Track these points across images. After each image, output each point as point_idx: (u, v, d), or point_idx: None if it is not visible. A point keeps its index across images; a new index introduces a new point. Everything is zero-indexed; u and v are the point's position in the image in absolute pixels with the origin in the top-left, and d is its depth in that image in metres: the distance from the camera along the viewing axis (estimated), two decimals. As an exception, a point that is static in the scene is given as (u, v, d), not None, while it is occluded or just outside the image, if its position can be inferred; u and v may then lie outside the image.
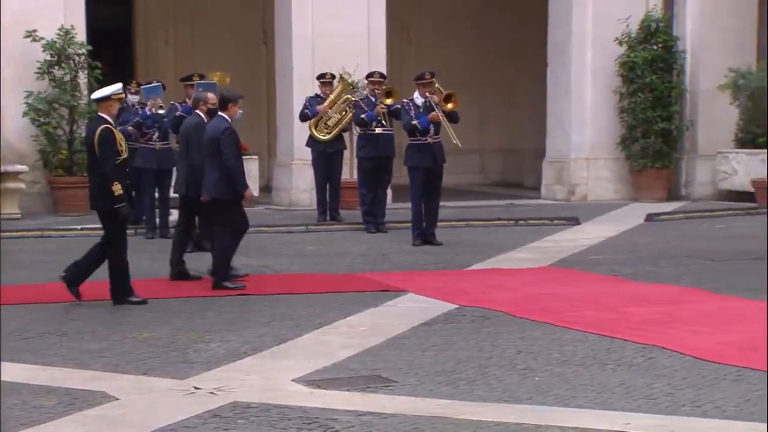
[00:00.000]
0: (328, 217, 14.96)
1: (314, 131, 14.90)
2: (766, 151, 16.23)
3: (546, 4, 18.45)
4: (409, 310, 9.08)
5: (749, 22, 17.33)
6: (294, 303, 9.39)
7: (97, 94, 9.34)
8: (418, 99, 13.11)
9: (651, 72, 17.24)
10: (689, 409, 5.94)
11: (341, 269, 11.30)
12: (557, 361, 7.12)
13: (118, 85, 9.43)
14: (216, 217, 10.09)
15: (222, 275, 9.94)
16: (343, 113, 14.83)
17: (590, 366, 6.95)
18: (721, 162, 17.23)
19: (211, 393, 6.39)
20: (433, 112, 12.82)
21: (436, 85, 13.07)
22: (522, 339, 7.81)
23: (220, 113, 10.04)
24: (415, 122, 12.92)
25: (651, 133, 17.43)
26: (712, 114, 17.29)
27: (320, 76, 15.27)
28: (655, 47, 17.33)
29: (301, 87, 16.47)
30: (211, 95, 10.73)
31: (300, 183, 16.91)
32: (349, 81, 15.24)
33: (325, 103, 14.92)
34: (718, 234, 13.61)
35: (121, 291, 9.17)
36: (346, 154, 15.41)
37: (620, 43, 17.39)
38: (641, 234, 13.82)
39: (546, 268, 11.29)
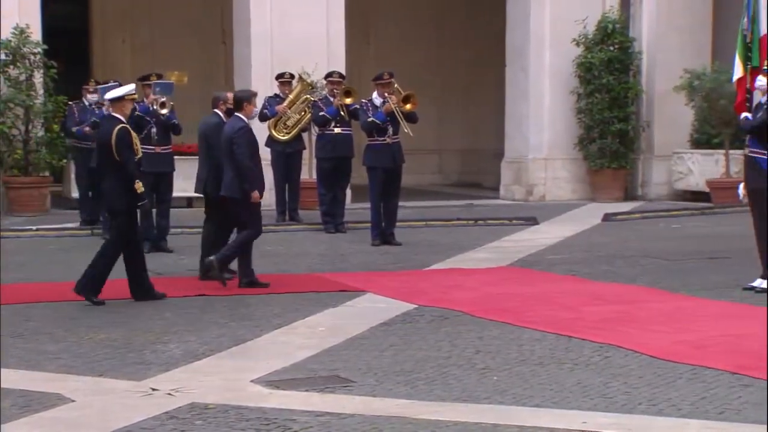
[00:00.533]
0: (287, 218, 14.93)
1: (273, 131, 14.86)
2: (721, 151, 16.41)
3: (504, 6, 18.55)
4: (368, 310, 9.09)
5: (704, 23, 17.52)
6: (253, 303, 9.37)
7: (111, 94, 9.46)
8: (377, 99, 13.14)
9: (608, 73, 17.38)
10: (645, 408, 6.00)
11: (300, 269, 11.29)
12: (515, 360, 7.16)
13: (131, 86, 9.58)
14: (237, 216, 10.09)
15: (223, 263, 9.92)
16: (303, 113, 14.81)
17: (548, 365, 7.00)
18: (677, 162, 17.41)
19: (169, 394, 6.36)
20: (386, 104, 12.84)
21: (395, 85, 13.09)
22: (480, 338, 7.85)
23: (236, 113, 10.07)
24: (371, 119, 12.95)
25: (608, 133, 17.57)
26: (668, 115, 17.46)
27: (279, 76, 15.24)
28: (611, 48, 17.48)
29: (260, 86, 16.34)
30: (230, 95, 10.66)
31: (259, 183, 16.83)
32: (308, 81, 15.22)
33: (285, 103, 14.89)
34: (674, 234, 13.75)
35: (92, 288, 9.11)
36: (305, 154, 15.39)
37: (577, 45, 17.52)
38: (598, 234, 13.93)
39: (504, 268, 11.34)
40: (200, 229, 10.94)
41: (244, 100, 10.03)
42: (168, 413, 5.99)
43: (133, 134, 9.27)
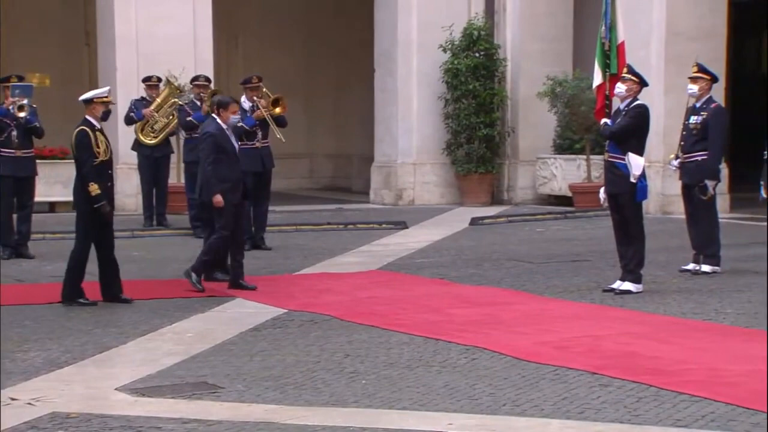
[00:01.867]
0: (154, 222, 14.71)
1: (140, 135, 14.64)
2: (582, 156, 16.85)
3: (373, 11, 18.67)
4: (237, 315, 9.04)
5: (566, 31, 17.96)
6: (118, 310, 9.21)
7: (83, 96, 9.63)
8: (246, 103, 13.05)
9: (474, 79, 17.66)
10: (509, 409, 6.12)
11: (168, 275, 11.14)
12: (384, 363, 7.22)
13: (104, 89, 9.74)
14: (215, 218, 10.18)
15: (197, 268, 10.04)
16: (170, 117, 14.63)
17: (416, 368, 7.07)
18: (541, 167, 17.81)
19: (29, 404, 6.20)
20: (257, 110, 12.81)
21: (264, 89, 13.04)
22: (350, 342, 7.88)
23: (212, 114, 10.24)
24: (240, 123, 12.86)
25: (475, 138, 17.86)
26: (532, 121, 17.84)
27: (146, 79, 15.01)
28: (477, 55, 17.75)
29: (126, 90, 16.15)
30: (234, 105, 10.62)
31: (125, 187, 16.54)
32: (176, 84, 15.04)
33: (152, 107, 14.69)
34: (539, 237, 14.05)
35: (73, 291, 9.29)
36: (173, 158, 15.19)
37: (444, 50, 17.75)
38: (466, 237, 14.14)
39: (374, 272, 11.41)
40: (62, 235, 10.76)
41: (220, 106, 10.15)
42: (28, 423, 5.84)
43: (100, 138, 9.36)
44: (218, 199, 9.96)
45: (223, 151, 10.02)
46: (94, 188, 9.25)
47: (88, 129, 9.36)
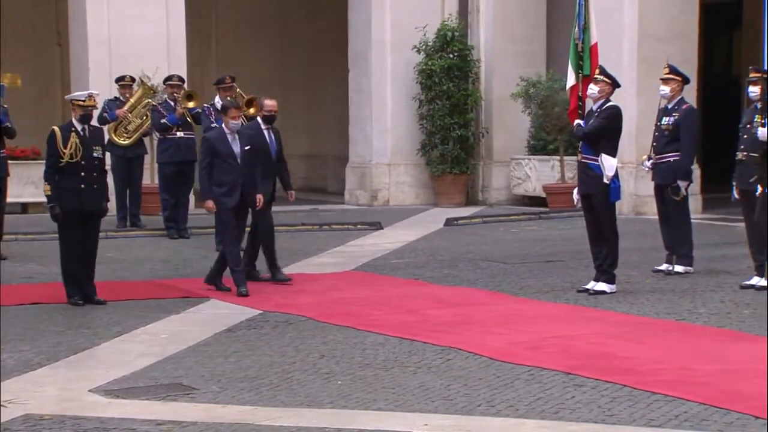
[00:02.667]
0: (128, 223, 14.64)
1: (114, 136, 14.57)
2: (556, 157, 16.91)
3: (346, 12, 18.66)
4: (212, 316, 9.01)
5: (539, 32, 18.02)
6: (91, 311, 9.16)
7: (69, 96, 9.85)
8: (219, 103, 13.02)
9: (448, 80, 17.68)
10: (484, 409, 6.13)
11: (142, 276, 11.09)
12: (359, 364, 7.22)
13: (84, 92, 9.70)
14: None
15: (237, 282, 9.90)
16: (144, 118, 14.58)
17: (391, 369, 7.08)
18: (515, 168, 17.85)
19: (2, 406, 6.15)
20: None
21: (237, 89, 13.02)
22: (325, 343, 7.88)
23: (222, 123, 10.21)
24: (215, 125, 12.83)
25: (449, 139, 17.89)
26: (506, 121, 17.88)
27: (119, 79, 14.95)
28: (451, 56, 17.78)
29: (98, 89, 15.90)
30: (267, 102, 10.70)
31: (98, 188, 16.46)
32: (149, 85, 14.98)
33: (125, 107, 14.63)
34: (513, 238, 14.09)
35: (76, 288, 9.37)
36: (147, 158, 15.13)
37: (418, 51, 17.76)
38: (441, 238, 14.17)
39: (349, 273, 11.41)
40: (33, 236, 10.68)
41: (222, 110, 10.26)
42: (0, 425, 5.80)
43: (73, 140, 9.31)
44: (209, 204, 9.98)
45: (218, 155, 9.94)
46: (46, 188, 9.35)
47: (57, 129, 9.41)
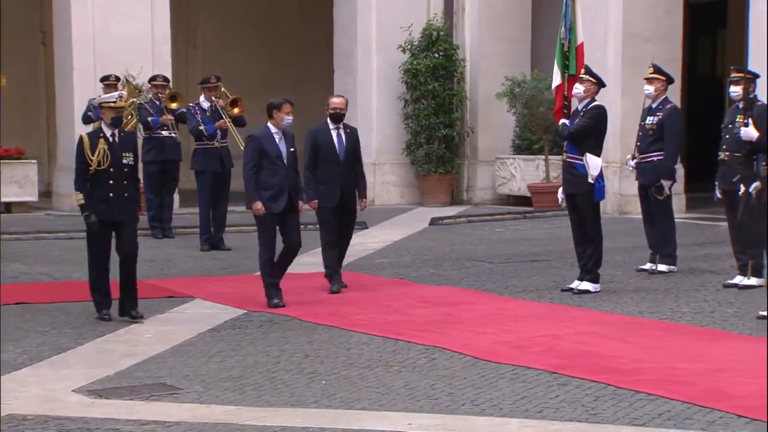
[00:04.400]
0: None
1: (97, 135, 14.51)
2: (541, 156, 16.94)
3: (332, 11, 18.65)
4: (196, 316, 9.00)
5: (524, 32, 18.05)
6: (75, 311, 9.13)
7: (94, 101, 9.45)
8: (204, 103, 13.04)
9: (433, 79, 17.69)
10: (468, 408, 6.14)
11: (125, 276, 11.04)
12: (344, 364, 7.22)
13: (111, 95, 9.20)
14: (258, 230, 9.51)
15: (268, 294, 9.28)
16: (129, 117, 14.52)
17: (375, 368, 7.08)
18: (500, 167, 17.88)
19: (-14, 407, 6.13)
20: (220, 120, 12.82)
21: (222, 89, 13.02)
22: (309, 343, 7.88)
23: (268, 122, 9.41)
24: (201, 127, 12.85)
25: (434, 139, 17.90)
26: (491, 121, 17.91)
27: (104, 78, 14.91)
28: (436, 55, 17.80)
29: (82, 89, 16.03)
30: (333, 99, 10.18)
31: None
32: (135, 84, 14.95)
33: (110, 106, 14.57)
34: (498, 237, 14.11)
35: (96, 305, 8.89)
36: (132, 158, 15.08)
37: (404, 51, 17.77)
38: (426, 237, 14.17)
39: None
40: (16, 236, 10.57)
41: (273, 107, 9.36)
42: (-16, 427, 5.78)
43: (102, 146, 8.78)
44: (258, 206, 9.26)
45: (266, 155, 9.38)
46: (78, 198, 8.83)
47: (85, 136, 8.91)
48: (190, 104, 13.35)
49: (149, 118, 13.88)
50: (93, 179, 8.81)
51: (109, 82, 14.84)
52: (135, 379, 6.83)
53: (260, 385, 6.69)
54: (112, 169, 8.81)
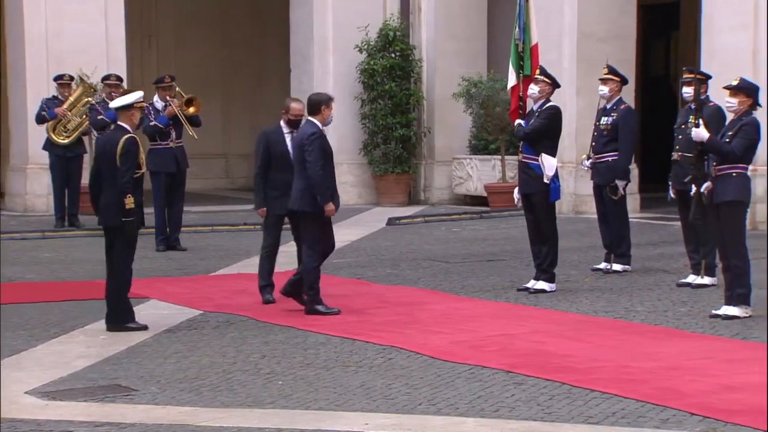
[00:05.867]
0: (66, 223, 14.48)
1: (52, 134, 14.41)
2: (497, 157, 17.01)
3: (288, 11, 18.61)
4: (152, 317, 8.93)
5: (480, 32, 18.11)
6: (27, 312, 9.04)
7: (117, 102, 8.68)
8: (158, 103, 12.96)
9: (390, 79, 17.70)
10: (425, 407, 6.16)
11: (80, 276, 10.97)
12: (300, 364, 7.21)
13: (139, 93, 8.72)
14: (302, 234, 9.14)
15: (312, 298, 8.95)
16: (84, 116, 14.43)
17: (332, 368, 7.08)
18: (457, 167, 17.94)
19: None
20: (168, 107, 12.70)
21: (177, 88, 12.95)
22: (266, 343, 7.86)
23: (310, 118, 8.99)
24: (153, 122, 12.76)
25: (391, 139, 17.91)
26: (448, 121, 17.95)
27: (58, 78, 14.77)
28: (393, 55, 17.82)
29: (36, 88, 15.88)
30: (294, 105, 9.55)
31: (36, 188, 16.28)
32: (89, 83, 14.83)
33: (64, 106, 14.46)
34: (455, 237, 14.16)
35: (121, 313, 8.42)
36: (86, 157, 14.97)
37: (360, 51, 17.77)
38: (383, 237, 14.19)
39: (291, 272, 11.30)
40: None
41: (322, 103, 8.94)
42: (-65, 430, 5.71)
43: (141, 148, 8.49)
44: (331, 207, 9.02)
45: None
46: (130, 201, 8.31)
47: (135, 137, 8.42)
48: (145, 104, 13.23)
49: (99, 116, 13.75)
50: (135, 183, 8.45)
51: (63, 82, 14.71)
52: (89, 381, 6.78)
53: (216, 385, 6.66)
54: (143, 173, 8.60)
